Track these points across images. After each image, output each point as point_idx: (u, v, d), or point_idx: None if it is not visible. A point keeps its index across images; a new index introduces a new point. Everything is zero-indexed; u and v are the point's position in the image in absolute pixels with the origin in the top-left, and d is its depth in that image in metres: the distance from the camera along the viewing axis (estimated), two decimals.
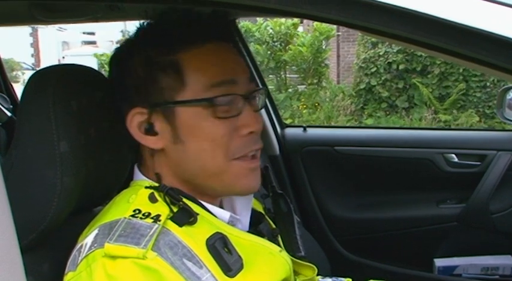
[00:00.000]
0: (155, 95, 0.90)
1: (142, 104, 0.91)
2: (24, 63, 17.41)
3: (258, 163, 0.95)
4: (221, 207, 0.99)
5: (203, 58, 0.90)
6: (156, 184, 0.91)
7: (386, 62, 8.59)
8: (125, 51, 0.96)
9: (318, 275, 1.12)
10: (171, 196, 0.89)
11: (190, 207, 0.89)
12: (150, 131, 0.92)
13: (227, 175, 0.91)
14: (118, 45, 1.01)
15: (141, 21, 0.95)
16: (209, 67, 0.90)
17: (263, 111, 2.20)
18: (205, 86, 0.89)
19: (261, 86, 1.01)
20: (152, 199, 0.89)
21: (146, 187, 0.90)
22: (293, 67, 10.31)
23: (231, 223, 0.94)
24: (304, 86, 10.19)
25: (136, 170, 0.98)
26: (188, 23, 0.92)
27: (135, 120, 0.92)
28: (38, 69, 1.06)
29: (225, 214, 0.94)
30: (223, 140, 0.90)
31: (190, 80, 0.89)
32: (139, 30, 0.95)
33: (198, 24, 0.92)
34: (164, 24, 0.92)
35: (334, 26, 9.23)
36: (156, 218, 0.84)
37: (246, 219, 1.00)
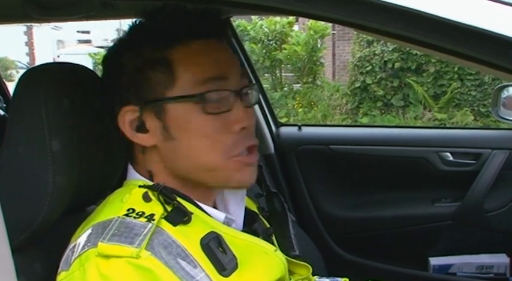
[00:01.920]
0: (146, 92, 0.90)
1: (133, 101, 0.91)
2: (19, 61, 17.39)
3: (255, 159, 0.94)
4: (215, 207, 0.98)
5: (193, 55, 0.90)
6: (150, 183, 0.91)
7: (381, 61, 8.61)
8: (117, 49, 0.96)
9: (313, 274, 1.12)
10: (165, 195, 0.88)
11: (184, 206, 0.89)
12: (141, 128, 0.92)
13: (222, 171, 0.91)
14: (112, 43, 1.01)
15: (134, 19, 0.95)
16: (199, 63, 0.90)
17: (258, 109, 2.20)
18: (195, 82, 0.89)
19: (253, 82, 1.00)
20: (146, 198, 0.88)
21: (140, 186, 0.90)
22: (288, 66, 10.33)
23: (227, 223, 0.94)
24: (300, 84, 10.21)
25: (130, 169, 0.98)
26: (179, 20, 0.92)
27: (126, 118, 0.92)
28: (31, 67, 1.05)
29: (220, 215, 0.94)
30: (215, 136, 0.90)
31: (180, 76, 0.89)
32: (131, 28, 0.95)
33: (188, 21, 0.92)
34: (155, 22, 0.92)
35: (329, 25, 9.24)
36: (150, 218, 0.84)
37: (239, 219, 1.00)
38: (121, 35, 0.99)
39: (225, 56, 0.94)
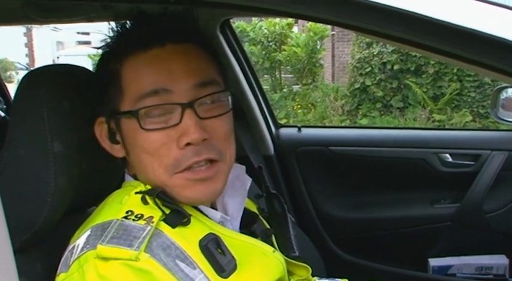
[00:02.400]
0: (107, 105, 0.91)
1: (102, 113, 0.92)
2: (19, 63, 17.35)
3: (211, 173, 0.89)
4: (213, 208, 0.98)
5: (140, 66, 0.88)
6: (148, 187, 0.91)
7: (380, 62, 8.60)
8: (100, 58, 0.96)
9: (312, 275, 1.12)
10: (162, 199, 0.88)
11: (183, 208, 0.89)
12: (113, 140, 0.93)
13: (169, 188, 0.89)
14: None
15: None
16: (141, 77, 0.88)
17: (257, 111, 2.21)
18: (136, 97, 0.87)
19: (224, 90, 0.94)
20: (145, 200, 0.89)
21: (137, 193, 0.89)
22: (288, 67, 10.32)
23: (222, 223, 0.94)
24: (299, 86, 10.20)
25: (126, 173, 0.98)
26: (135, 28, 0.90)
27: (101, 129, 0.94)
28: (32, 69, 1.06)
29: (216, 214, 0.94)
30: (156, 153, 0.87)
31: (127, 90, 0.89)
32: (103, 39, 0.94)
33: (145, 28, 0.89)
34: (116, 32, 0.92)
35: (329, 26, 9.23)
36: (149, 220, 0.84)
37: (236, 220, 1.00)
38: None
39: (177, 65, 0.88)
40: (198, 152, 0.87)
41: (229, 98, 0.94)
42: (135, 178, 0.95)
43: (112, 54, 0.91)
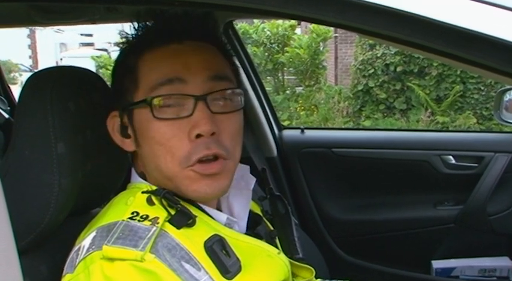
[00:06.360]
0: (122, 98, 0.93)
1: (116, 107, 0.94)
2: (22, 64, 17.39)
3: (219, 169, 0.89)
4: (219, 209, 0.98)
5: (157, 59, 0.90)
6: (154, 187, 0.92)
7: (384, 64, 8.61)
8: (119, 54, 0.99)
9: (316, 277, 1.12)
10: (168, 199, 0.89)
11: (188, 209, 0.89)
12: (125, 134, 0.94)
13: (178, 180, 0.90)
14: (115, 46, 1.03)
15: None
16: (157, 67, 0.90)
17: (260, 112, 2.21)
18: (151, 87, 0.89)
19: (237, 87, 0.96)
20: (150, 201, 0.89)
21: (143, 192, 0.90)
22: (291, 69, 10.33)
23: (228, 225, 0.94)
24: (302, 87, 10.20)
25: (132, 172, 0.99)
26: (155, 24, 0.92)
27: (113, 123, 0.95)
28: (35, 71, 1.06)
29: (222, 216, 0.94)
30: (169, 144, 0.88)
31: (142, 81, 0.90)
32: (122, 35, 0.97)
33: (165, 25, 0.92)
34: (136, 28, 0.94)
35: (332, 28, 9.24)
36: (154, 221, 0.84)
37: (243, 221, 1.00)
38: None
39: (194, 58, 0.90)
40: (207, 145, 0.88)
41: (242, 97, 0.95)
42: (143, 176, 0.96)
43: (131, 49, 0.94)
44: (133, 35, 0.95)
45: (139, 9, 0.98)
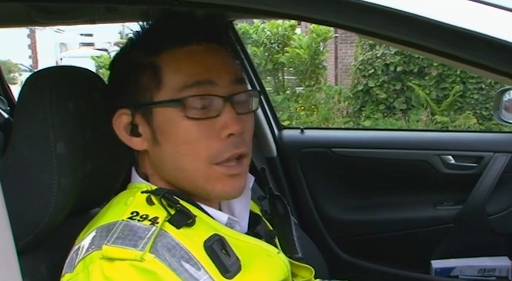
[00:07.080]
0: (136, 96, 0.92)
1: (126, 105, 0.93)
2: (22, 64, 17.40)
3: (241, 169, 0.92)
4: (219, 209, 0.99)
5: (182, 59, 0.91)
6: (153, 187, 0.92)
7: (384, 64, 8.61)
8: (119, 54, 0.99)
9: (315, 277, 1.12)
10: (168, 199, 0.89)
11: (188, 209, 0.89)
12: (134, 132, 0.93)
13: (203, 179, 0.91)
14: (116, 46, 1.02)
15: (140, 24, 0.96)
16: (185, 68, 0.90)
17: (260, 112, 2.21)
18: (179, 87, 0.89)
19: (253, 89, 0.99)
20: (149, 201, 0.89)
21: (142, 192, 0.91)
22: (291, 69, 10.33)
23: (229, 225, 0.94)
24: (302, 87, 10.21)
25: (133, 172, 0.99)
26: (170, 25, 0.92)
27: (120, 121, 0.94)
28: (35, 70, 1.06)
29: (222, 216, 0.94)
30: (199, 144, 0.89)
31: (167, 81, 0.90)
32: (134, 33, 0.96)
33: (184, 25, 0.92)
34: (151, 27, 0.94)
35: (332, 28, 9.24)
36: (154, 221, 0.85)
37: (244, 221, 1.00)
38: (125, 39, 1.00)
39: (217, 60, 0.93)
40: (237, 144, 0.90)
41: (257, 98, 0.98)
42: (144, 176, 0.96)
43: (146, 48, 0.93)
44: (146, 34, 0.94)
45: (141, 9, 0.98)
